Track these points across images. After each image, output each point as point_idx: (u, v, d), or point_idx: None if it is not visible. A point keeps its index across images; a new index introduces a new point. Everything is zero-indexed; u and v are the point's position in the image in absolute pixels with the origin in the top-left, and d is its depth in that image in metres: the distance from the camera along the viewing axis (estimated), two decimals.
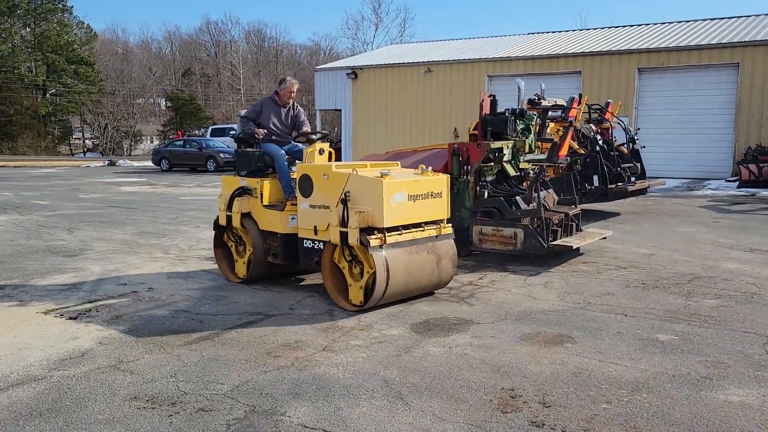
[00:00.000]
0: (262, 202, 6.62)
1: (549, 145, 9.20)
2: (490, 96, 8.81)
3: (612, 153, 11.71)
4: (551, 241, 7.70)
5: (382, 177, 5.59)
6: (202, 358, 4.66)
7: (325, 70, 29.10)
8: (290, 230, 6.41)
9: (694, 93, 20.19)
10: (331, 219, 5.82)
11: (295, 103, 7.35)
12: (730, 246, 9.00)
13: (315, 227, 6.02)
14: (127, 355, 4.71)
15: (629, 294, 6.40)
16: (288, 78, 7.26)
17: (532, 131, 8.86)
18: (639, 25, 25.13)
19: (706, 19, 24.30)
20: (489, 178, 8.16)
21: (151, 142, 61.59)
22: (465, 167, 7.98)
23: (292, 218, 6.39)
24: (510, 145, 8.32)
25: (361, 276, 5.81)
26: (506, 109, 8.73)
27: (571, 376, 4.27)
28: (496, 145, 8.07)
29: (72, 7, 63.93)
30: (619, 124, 12.63)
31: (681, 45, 20.47)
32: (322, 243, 6.00)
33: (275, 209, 6.53)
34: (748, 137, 19.36)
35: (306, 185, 6.06)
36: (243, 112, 7.46)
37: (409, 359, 4.60)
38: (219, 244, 7.21)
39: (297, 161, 6.90)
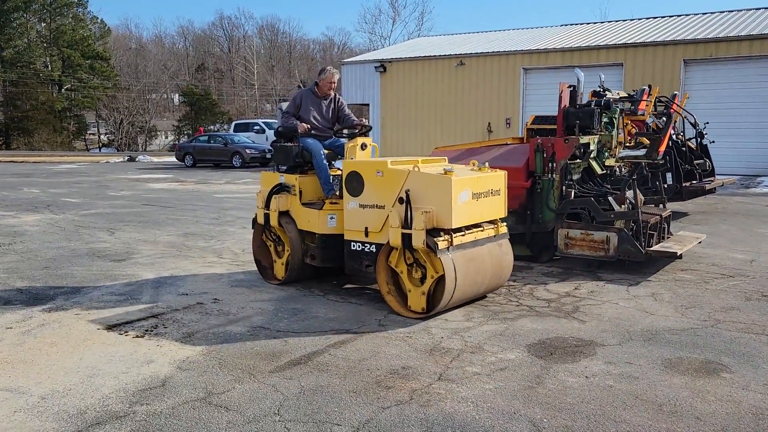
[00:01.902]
0: (300, 199, 6.18)
1: (631, 138, 8.48)
2: (569, 87, 8.08)
3: (683, 149, 10.95)
4: (648, 247, 6.98)
5: (446, 174, 5.03)
6: (302, 389, 4.00)
7: (353, 64, 28.39)
8: (329, 230, 5.97)
9: (743, 86, 19.31)
10: (389, 220, 5.31)
11: (337, 95, 6.79)
12: None
13: (366, 228, 5.52)
14: (215, 385, 4.06)
15: (756, 308, 5.68)
16: (328, 68, 6.71)
17: (616, 125, 8.13)
18: (684, 15, 24.22)
19: (755, 8, 23.33)
20: (575, 177, 7.44)
21: (166, 137, 61.22)
22: (550, 164, 7.27)
23: (331, 218, 5.96)
24: (596, 140, 7.60)
25: (422, 281, 5.30)
26: (590, 101, 8.01)
27: (753, 418, 3.58)
28: (584, 140, 7.35)
29: (87, 1, 63.57)
30: (686, 118, 11.83)
31: (730, 35, 19.58)
32: (374, 246, 5.51)
33: (313, 208, 6.08)
34: None
35: (355, 183, 5.56)
36: (283, 107, 6.84)
37: (546, 393, 3.92)
38: (258, 243, 6.74)
39: (339, 157, 6.37)
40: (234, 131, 32.79)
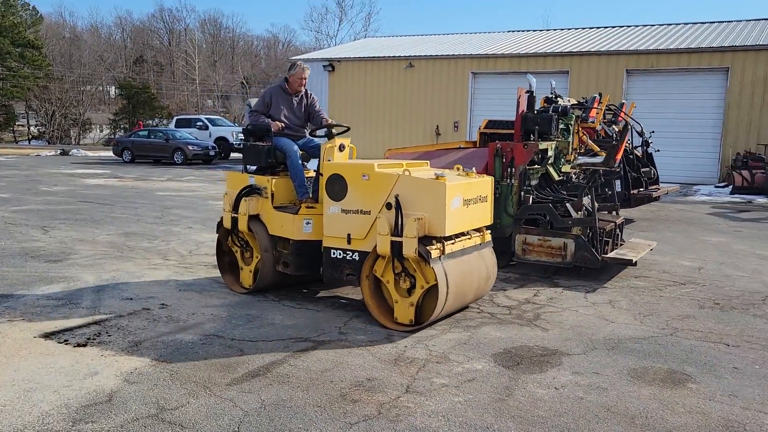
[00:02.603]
0: (272, 203, 5.86)
1: (582, 145, 8.53)
2: (527, 92, 8.06)
3: (631, 157, 11.15)
4: (603, 254, 7.01)
5: (438, 179, 4.85)
6: (262, 403, 3.76)
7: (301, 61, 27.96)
8: (305, 237, 5.65)
9: (683, 97, 19.93)
10: (375, 226, 5.05)
11: (308, 92, 6.48)
12: None
13: (349, 235, 5.24)
14: (167, 400, 3.78)
15: (711, 317, 5.75)
16: (298, 62, 6.38)
17: (572, 132, 8.16)
18: (627, 26, 24.86)
19: (695, 23, 24.15)
20: (533, 182, 7.41)
21: (101, 131, 58.94)
22: (509, 169, 7.21)
23: (307, 223, 5.65)
24: (553, 147, 7.60)
25: (409, 292, 5.08)
26: (543, 107, 8.01)
27: (723, 430, 3.55)
28: (542, 145, 7.33)
29: None
30: (633, 127, 12.06)
31: (671, 47, 20.21)
32: (357, 254, 5.24)
33: (287, 212, 5.76)
34: (735, 143, 19.21)
35: (337, 187, 5.27)
36: (252, 103, 6.56)
37: (517, 405, 3.81)
38: (222, 249, 6.38)
39: (313, 158, 6.12)
40: (175, 127, 31.84)
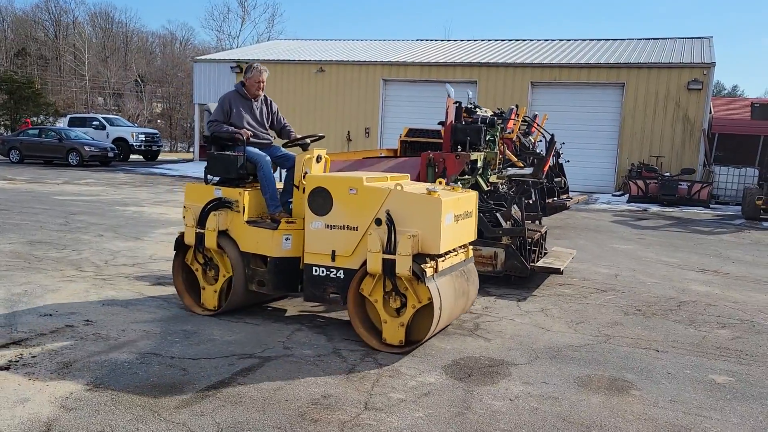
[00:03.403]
0: (244, 217, 5.48)
1: (501, 156, 8.77)
2: (455, 102, 8.19)
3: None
4: (531, 262, 7.23)
5: (431, 194, 4.75)
6: (218, 426, 3.58)
7: (206, 62, 27.19)
8: (283, 253, 5.33)
9: (583, 109, 21.03)
10: (364, 243, 4.85)
11: (267, 97, 6.23)
12: (679, 266, 9.09)
13: (333, 252, 5.00)
14: (113, 427, 3.51)
15: (636, 323, 6.05)
16: (255, 64, 6.01)
17: (497, 143, 8.38)
18: (533, 40, 25.92)
19: (597, 39, 25.53)
20: None
21: None
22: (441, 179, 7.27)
23: (287, 239, 5.32)
24: (482, 157, 7.77)
25: (399, 311, 4.91)
26: (468, 118, 8.17)
27: None
28: (473, 156, 7.47)
29: None
30: (544, 138, 12.56)
31: (572, 62, 21.25)
32: (342, 271, 5.00)
33: (263, 227, 5.39)
34: (630, 154, 20.47)
35: (320, 201, 5.01)
36: (212, 109, 6.19)
37: (477, 419, 3.83)
38: (180, 267, 5.89)
39: (281, 168, 5.87)
40: (69, 126, 30.01)
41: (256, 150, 5.73)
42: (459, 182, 7.41)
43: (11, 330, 5.03)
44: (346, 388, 4.19)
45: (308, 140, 5.70)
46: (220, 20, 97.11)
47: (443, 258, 4.88)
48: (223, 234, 5.50)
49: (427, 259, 4.73)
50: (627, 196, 18.62)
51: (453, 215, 4.88)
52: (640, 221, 14.42)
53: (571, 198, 12.12)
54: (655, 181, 18.10)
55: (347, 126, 23.50)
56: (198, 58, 28.91)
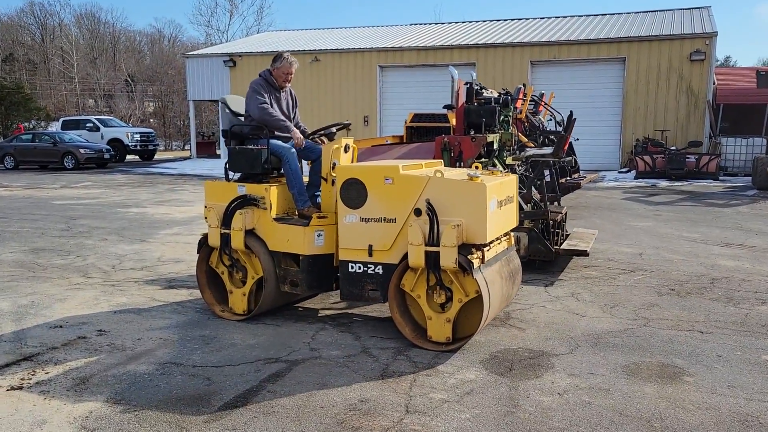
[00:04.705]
0: (271, 214, 5.17)
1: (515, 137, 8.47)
2: (466, 84, 7.90)
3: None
4: (555, 245, 6.97)
5: (473, 179, 4.44)
6: None
7: (198, 57, 26.75)
8: (316, 251, 5.02)
9: (584, 86, 20.69)
10: (403, 235, 4.56)
11: (291, 89, 5.89)
12: (702, 241, 8.83)
13: (370, 246, 4.68)
14: None
15: (672, 304, 5.79)
16: (286, 55, 5.62)
17: (511, 123, 8.08)
18: (530, 19, 25.53)
19: (595, 15, 25.16)
20: None
21: None
22: (458, 164, 7.00)
23: (319, 235, 5.01)
24: (498, 139, 7.47)
25: (443, 306, 4.62)
26: (483, 99, 7.87)
27: (740, 425, 3.47)
28: (489, 138, 7.18)
29: None
30: (553, 116, 12.28)
31: (571, 39, 20.90)
32: (381, 266, 4.69)
33: (293, 224, 5.08)
34: (635, 130, 20.17)
35: (354, 193, 4.69)
36: (228, 101, 5.79)
37: (528, 418, 3.57)
38: (204, 270, 5.57)
39: (304, 160, 5.56)
40: (62, 129, 29.62)
41: (280, 142, 5.41)
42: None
43: (21, 345, 4.75)
44: (382, 391, 3.92)
45: (334, 129, 5.39)
46: (208, 15, 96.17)
47: (488, 247, 4.57)
48: (249, 233, 5.19)
49: (473, 250, 4.42)
50: (634, 172, 18.34)
51: (497, 201, 4.59)
52: (651, 197, 14.15)
53: (584, 177, 11.84)
54: (662, 155, 17.82)
55: (345, 115, 23.14)
56: (190, 53, 28.48)
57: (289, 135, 5.41)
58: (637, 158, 18.13)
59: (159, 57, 66.73)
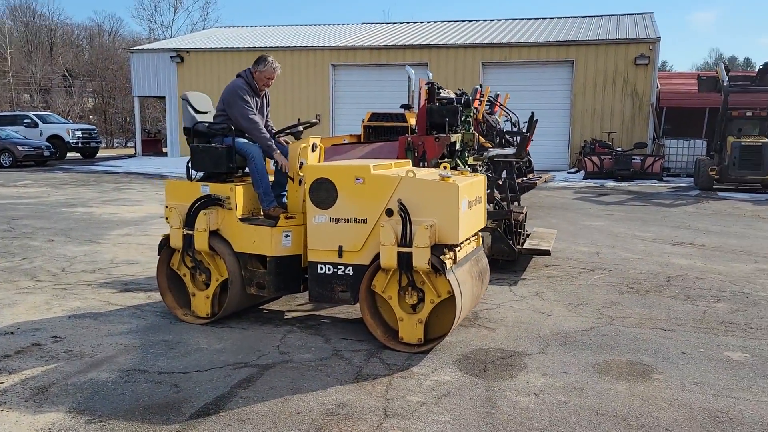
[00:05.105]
0: (237, 215, 5.02)
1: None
2: (428, 83, 7.89)
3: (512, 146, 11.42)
4: (517, 245, 7.03)
5: (445, 180, 4.41)
6: None
7: (144, 52, 26.02)
8: (283, 252, 4.91)
9: (534, 88, 21.04)
10: (374, 235, 4.51)
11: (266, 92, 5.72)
12: (654, 240, 9.08)
13: (340, 247, 4.61)
14: None
15: (634, 302, 5.91)
16: (270, 59, 5.40)
17: (471, 123, 8.12)
18: (482, 21, 25.80)
19: (545, 18, 25.60)
20: None
21: None
22: (421, 164, 6.98)
23: (287, 236, 4.90)
24: (460, 139, 7.49)
25: (415, 307, 4.58)
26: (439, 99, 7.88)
27: (712, 421, 3.55)
28: (452, 138, 7.19)
29: None
30: (509, 117, 12.43)
31: (522, 41, 21.23)
32: (351, 268, 4.63)
33: (259, 224, 4.95)
34: (583, 131, 20.64)
35: (324, 193, 4.61)
36: (189, 98, 5.53)
37: (508, 419, 3.56)
38: (165, 273, 5.37)
39: (268, 158, 5.41)
40: None
41: (246, 140, 5.25)
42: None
43: None
44: (359, 394, 3.86)
45: (301, 128, 5.27)
46: (152, 10, 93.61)
47: (460, 248, 4.56)
48: (214, 234, 5.03)
49: (445, 250, 4.39)
50: (583, 172, 18.77)
51: (467, 201, 4.58)
52: (601, 197, 14.50)
53: (540, 177, 12.02)
54: (609, 156, 18.30)
55: (297, 114, 22.86)
56: (135, 48, 27.68)
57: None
58: (585, 159, 18.56)
59: (99, 51, 64.60)
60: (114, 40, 67.76)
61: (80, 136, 27.71)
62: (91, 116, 50.84)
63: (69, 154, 28.12)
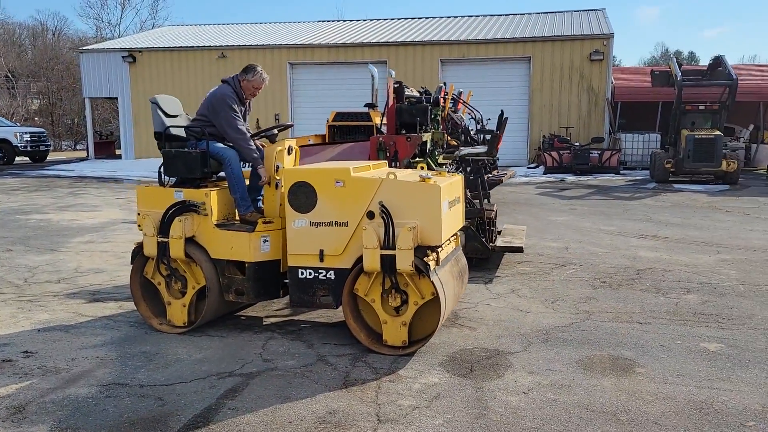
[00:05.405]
0: (213, 220, 4.91)
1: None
2: (396, 83, 7.87)
3: (477, 144, 11.50)
4: (490, 242, 7.08)
5: (426, 181, 4.39)
6: None
7: (94, 52, 25.29)
8: (262, 257, 4.82)
9: (492, 85, 21.23)
10: (356, 239, 4.46)
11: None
12: (619, 233, 9.27)
13: (321, 251, 4.55)
14: None
15: (608, 296, 6.02)
16: (259, 68, 5.27)
17: (439, 123, 8.14)
18: (440, 18, 25.88)
19: (501, 15, 25.84)
20: None
21: None
22: (393, 164, 6.96)
23: (265, 241, 4.81)
24: (430, 138, 7.50)
25: (398, 310, 4.55)
26: (410, 98, 7.89)
27: (698, 413, 3.63)
28: (424, 137, 7.19)
29: None
30: (471, 114, 12.51)
31: (479, 38, 21.40)
32: (333, 272, 4.57)
33: (237, 230, 4.84)
34: (541, 126, 20.95)
35: (303, 197, 4.54)
36: (158, 100, 5.35)
37: (501, 420, 3.58)
38: (139, 282, 5.22)
39: (243, 161, 5.30)
40: None
41: (221, 144, 5.13)
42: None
43: None
44: (349, 401, 3.82)
45: (275, 131, 5.17)
46: (98, 8, 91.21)
47: (441, 248, 4.56)
48: (189, 241, 4.91)
49: (428, 251, 4.38)
50: (543, 167, 19.05)
51: (448, 202, 4.58)
52: (563, 191, 14.74)
53: (505, 173, 12.14)
54: (568, 151, 18.62)
55: (255, 113, 22.58)
56: (84, 48, 26.89)
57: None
58: (545, 154, 18.85)
59: (43, 51, 62.64)
60: (59, 39, 65.67)
61: (29, 139, 26.77)
62: (36, 118, 49.16)
63: (17, 159, 27.19)
